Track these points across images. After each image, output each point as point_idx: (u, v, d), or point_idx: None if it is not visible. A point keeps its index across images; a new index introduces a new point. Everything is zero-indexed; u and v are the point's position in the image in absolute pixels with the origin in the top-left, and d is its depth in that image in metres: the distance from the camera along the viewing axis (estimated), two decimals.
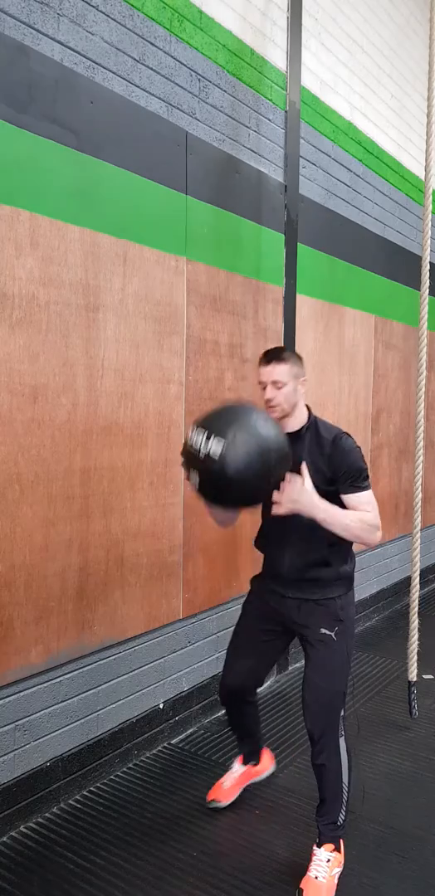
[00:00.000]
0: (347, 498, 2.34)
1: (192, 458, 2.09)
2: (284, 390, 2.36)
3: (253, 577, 2.65)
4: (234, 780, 2.82)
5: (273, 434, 2.11)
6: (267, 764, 2.92)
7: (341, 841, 2.44)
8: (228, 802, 2.78)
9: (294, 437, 2.36)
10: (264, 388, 2.38)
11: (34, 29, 2.55)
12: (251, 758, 2.86)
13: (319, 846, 2.40)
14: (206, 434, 2.05)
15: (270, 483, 2.14)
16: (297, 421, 2.41)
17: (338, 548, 2.40)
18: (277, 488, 2.20)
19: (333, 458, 2.35)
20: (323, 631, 2.40)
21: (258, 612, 2.57)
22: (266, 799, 2.88)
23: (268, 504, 2.39)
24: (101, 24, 2.81)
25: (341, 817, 2.43)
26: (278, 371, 2.36)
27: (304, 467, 2.27)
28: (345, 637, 2.43)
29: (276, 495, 2.22)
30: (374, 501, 2.37)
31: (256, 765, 2.86)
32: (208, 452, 2.02)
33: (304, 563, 2.41)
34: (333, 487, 2.34)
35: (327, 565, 2.41)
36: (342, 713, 2.42)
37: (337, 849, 2.41)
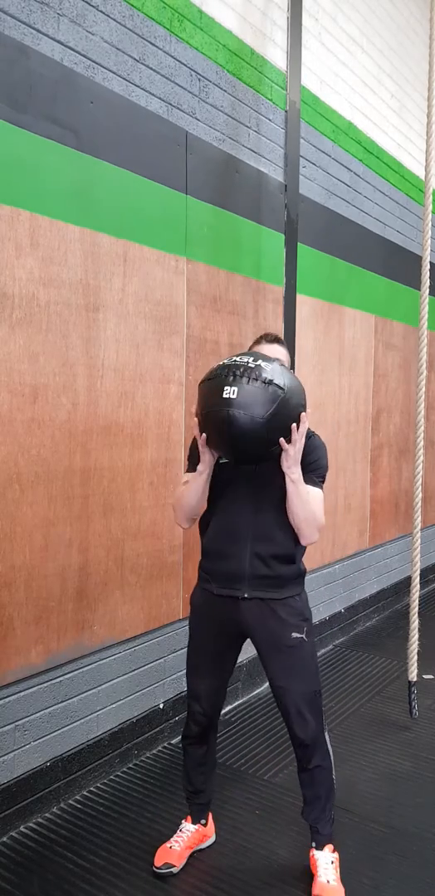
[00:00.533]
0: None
1: (236, 370, 2.13)
2: None
3: (192, 593, 2.46)
4: (185, 841, 2.50)
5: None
6: (211, 829, 2.62)
7: (333, 836, 2.45)
8: (182, 865, 2.46)
9: None
10: None
11: (34, 29, 2.55)
12: (201, 815, 2.57)
13: (321, 848, 2.39)
14: (253, 358, 2.17)
15: (289, 424, 2.16)
16: None
17: (300, 545, 2.35)
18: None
19: (304, 448, 2.26)
20: (294, 636, 2.31)
21: (211, 627, 2.39)
22: (266, 799, 2.87)
23: (225, 491, 2.33)
24: (101, 24, 2.80)
25: (332, 815, 2.44)
26: (280, 353, 2.42)
27: (304, 417, 2.19)
28: (312, 634, 2.38)
29: (294, 431, 2.16)
30: (322, 503, 2.32)
31: (205, 825, 2.58)
32: (260, 364, 2.14)
33: (269, 556, 2.30)
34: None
35: (292, 562, 2.33)
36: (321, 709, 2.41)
37: (335, 848, 2.42)
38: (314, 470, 2.31)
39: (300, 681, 2.34)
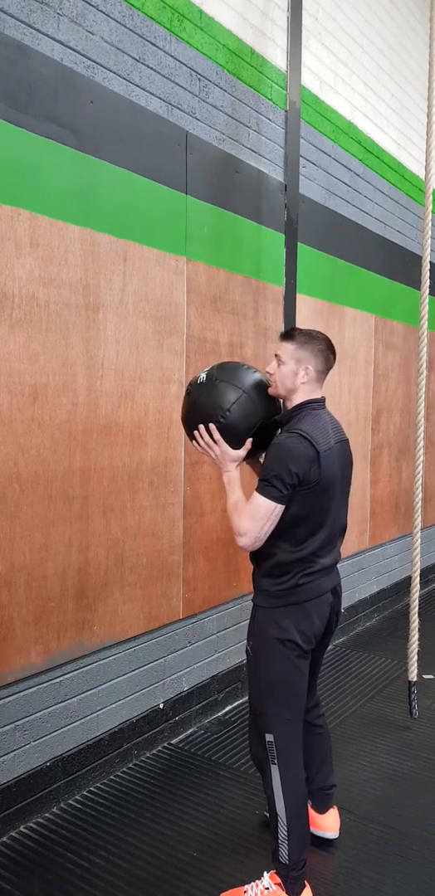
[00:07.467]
0: None
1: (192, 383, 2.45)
2: (282, 368, 2.28)
3: None
4: None
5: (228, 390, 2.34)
6: (332, 823, 2.59)
7: (289, 881, 2.22)
8: None
9: (279, 423, 2.35)
10: None
11: (34, 29, 2.55)
12: (311, 799, 2.53)
13: (267, 870, 2.30)
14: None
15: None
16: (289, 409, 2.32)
17: (266, 555, 2.21)
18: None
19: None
20: (246, 643, 2.34)
21: None
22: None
23: None
24: (101, 23, 2.80)
25: (283, 854, 2.22)
26: (282, 347, 2.31)
27: (212, 428, 2.26)
28: (258, 658, 2.25)
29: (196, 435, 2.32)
30: (256, 510, 2.13)
31: (320, 812, 2.57)
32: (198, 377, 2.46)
33: (252, 558, 2.31)
34: None
35: (257, 565, 2.29)
36: (271, 738, 2.22)
37: (283, 887, 2.22)
38: (262, 471, 2.19)
39: (249, 689, 2.38)
